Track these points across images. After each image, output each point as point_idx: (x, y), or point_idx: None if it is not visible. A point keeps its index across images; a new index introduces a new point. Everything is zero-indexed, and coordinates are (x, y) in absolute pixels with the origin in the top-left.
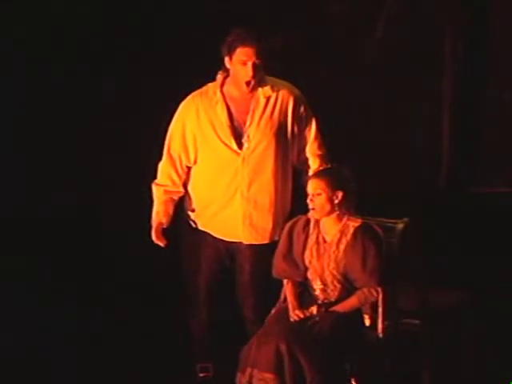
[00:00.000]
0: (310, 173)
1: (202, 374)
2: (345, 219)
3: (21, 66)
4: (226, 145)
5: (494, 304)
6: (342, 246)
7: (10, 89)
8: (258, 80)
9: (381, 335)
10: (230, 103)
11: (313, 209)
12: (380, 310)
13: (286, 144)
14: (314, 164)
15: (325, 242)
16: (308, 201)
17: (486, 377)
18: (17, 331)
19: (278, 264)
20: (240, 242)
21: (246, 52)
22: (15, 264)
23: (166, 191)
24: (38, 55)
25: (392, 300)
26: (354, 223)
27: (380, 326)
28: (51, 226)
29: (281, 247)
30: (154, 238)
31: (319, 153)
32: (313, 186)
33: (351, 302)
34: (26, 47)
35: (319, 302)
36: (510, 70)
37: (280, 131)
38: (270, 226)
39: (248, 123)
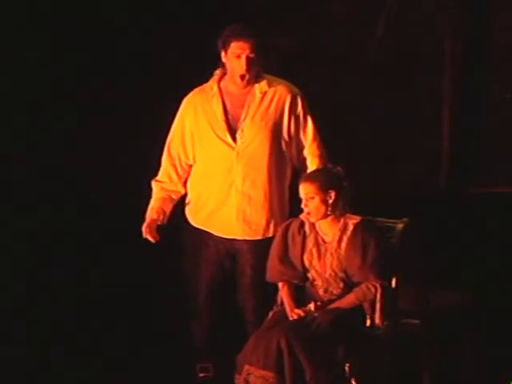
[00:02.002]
0: None
1: (201, 374)
2: (343, 218)
3: (20, 66)
4: (221, 139)
5: (493, 304)
6: (343, 244)
7: (10, 87)
8: (254, 75)
9: (378, 332)
10: (226, 98)
11: (308, 213)
12: (378, 305)
13: (283, 141)
14: (312, 164)
15: (325, 242)
16: (303, 206)
17: (486, 377)
18: (17, 330)
19: (275, 267)
20: (241, 245)
21: (240, 45)
22: (15, 264)
23: (162, 188)
24: (37, 54)
25: (392, 300)
26: (353, 221)
27: (377, 322)
28: (51, 226)
29: (276, 250)
30: (144, 232)
31: (318, 153)
32: (305, 191)
33: (349, 299)
34: (26, 46)
35: (322, 301)
36: (510, 69)
37: (276, 128)
38: (263, 221)
39: (243, 117)
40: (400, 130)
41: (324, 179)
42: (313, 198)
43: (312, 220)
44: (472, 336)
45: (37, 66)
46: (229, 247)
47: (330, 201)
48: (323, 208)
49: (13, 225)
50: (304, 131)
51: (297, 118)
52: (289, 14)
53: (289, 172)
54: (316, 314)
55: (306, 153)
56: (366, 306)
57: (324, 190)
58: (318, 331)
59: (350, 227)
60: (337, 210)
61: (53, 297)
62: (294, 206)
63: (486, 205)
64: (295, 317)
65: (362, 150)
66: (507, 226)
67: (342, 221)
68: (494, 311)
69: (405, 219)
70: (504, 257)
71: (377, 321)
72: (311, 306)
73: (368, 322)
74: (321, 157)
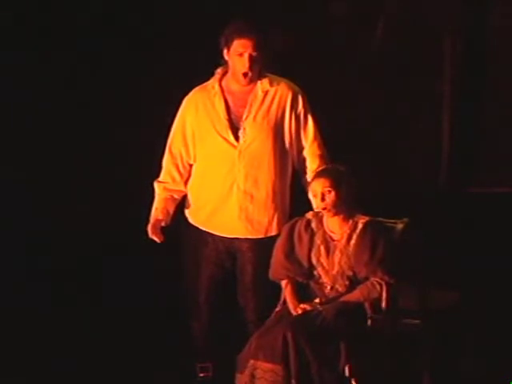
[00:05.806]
0: (309, 173)
1: (201, 374)
2: (352, 217)
3: (21, 67)
4: (223, 138)
5: (493, 304)
6: (352, 242)
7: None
8: (256, 73)
9: (384, 333)
10: (228, 97)
11: (324, 208)
12: (383, 304)
13: (285, 140)
14: (313, 164)
15: (333, 240)
16: (318, 201)
17: (486, 377)
18: (18, 330)
19: (280, 263)
20: (242, 244)
21: (242, 44)
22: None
23: (165, 188)
24: (37, 55)
25: (392, 300)
26: (362, 220)
27: (382, 320)
28: (52, 228)
29: (281, 247)
30: (149, 232)
31: (319, 153)
32: (322, 185)
33: (354, 295)
34: (26, 47)
35: (328, 298)
36: (510, 69)
37: (277, 126)
38: (265, 220)
39: (245, 116)
40: (400, 130)
41: (338, 174)
42: (330, 191)
43: (329, 215)
44: (472, 336)
45: (35, 67)
46: (229, 246)
47: (345, 195)
48: (339, 201)
49: (12, 225)
50: (304, 130)
51: (297, 116)
52: (289, 14)
53: (290, 170)
54: (321, 309)
55: (306, 153)
56: (367, 305)
57: (339, 183)
58: (322, 325)
59: (360, 226)
60: (349, 207)
61: (51, 297)
62: (295, 205)
63: (486, 205)
64: (300, 312)
65: (361, 150)
66: (507, 226)
67: (351, 220)
68: (493, 311)
69: (405, 219)
70: (504, 257)
71: (381, 319)
72: (316, 300)
73: (369, 322)
74: (321, 157)
